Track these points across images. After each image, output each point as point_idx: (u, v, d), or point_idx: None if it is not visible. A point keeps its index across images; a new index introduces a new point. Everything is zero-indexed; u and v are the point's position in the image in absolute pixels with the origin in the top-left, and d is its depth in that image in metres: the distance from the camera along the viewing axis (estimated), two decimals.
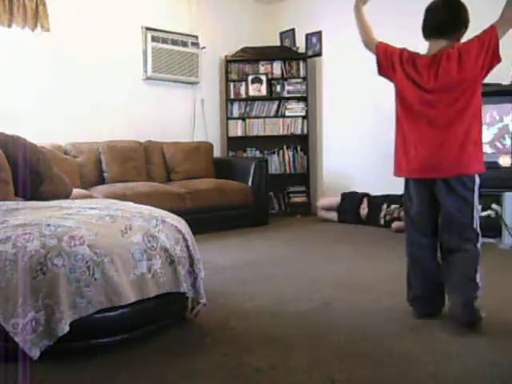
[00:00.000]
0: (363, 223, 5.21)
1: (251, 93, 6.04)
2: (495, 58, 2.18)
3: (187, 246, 2.32)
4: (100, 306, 1.94)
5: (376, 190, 5.42)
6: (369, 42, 2.46)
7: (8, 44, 4.56)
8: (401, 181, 2.47)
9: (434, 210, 2.35)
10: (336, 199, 5.53)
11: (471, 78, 2.20)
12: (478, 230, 2.30)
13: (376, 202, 5.20)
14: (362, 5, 2.50)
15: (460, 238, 2.29)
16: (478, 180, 2.28)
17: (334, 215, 5.50)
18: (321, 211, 5.66)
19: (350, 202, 5.38)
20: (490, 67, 2.20)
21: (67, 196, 3.22)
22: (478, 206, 2.29)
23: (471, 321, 2.19)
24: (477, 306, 2.20)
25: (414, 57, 2.32)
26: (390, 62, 2.36)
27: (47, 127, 4.66)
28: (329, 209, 5.57)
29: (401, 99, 2.35)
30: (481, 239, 2.31)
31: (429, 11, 2.34)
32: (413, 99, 2.30)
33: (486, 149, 4.14)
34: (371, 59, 2.50)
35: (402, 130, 2.36)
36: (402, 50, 2.36)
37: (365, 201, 5.29)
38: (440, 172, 2.26)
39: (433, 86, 2.24)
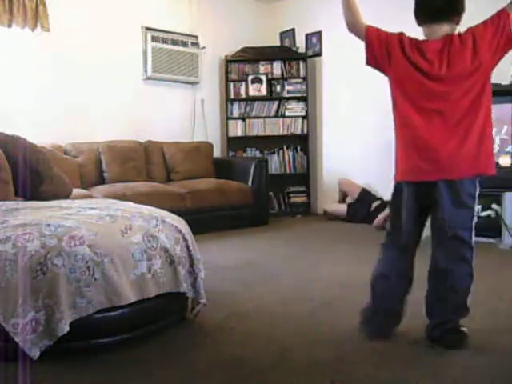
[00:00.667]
0: (371, 218, 5.21)
1: (251, 93, 6.04)
2: (509, 42, 1.98)
3: (187, 246, 2.32)
4: (100, 306, 1.94)
5: (376, 191, 5.43)
6: (355, 24, 2.12)
7: (8, 44, 4.56)
8: None
9: (423, 221, 2.13)
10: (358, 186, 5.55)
11: (486, 65, 1.98)
12: (473, 243, 2.07)
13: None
14: None
15: (456, 256, 2.05)
16: (479, 189, 2.06)
17: (343, 208, 5.50)
18: (331, 205, 5.68)
19: (366, 199, 5.39)
20: (504, 52, 2.00)
21: (67, 196, 3.22)
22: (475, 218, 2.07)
23: (458, 344, 2.03)
24: (462, 328, 2.07)
25: (417, 43, 2.05)
26: (385, 48, 2.06)
27: (47, 127, 4.66)
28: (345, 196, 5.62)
29: (403, 91, 2.06)
30: (475, 255, 2.08)
31: None
32: (419, 90, 2.02)
33: None
34: None
35: (407, 127, 2.07)
36: (400, 35, 2.07)
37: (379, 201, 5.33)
38: (454, 173, 1.98)
39: (445, 73, 1.98)
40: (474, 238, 2.08)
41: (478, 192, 2.06)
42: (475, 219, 2.07)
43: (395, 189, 2.16)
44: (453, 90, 1.99)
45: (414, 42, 2.05)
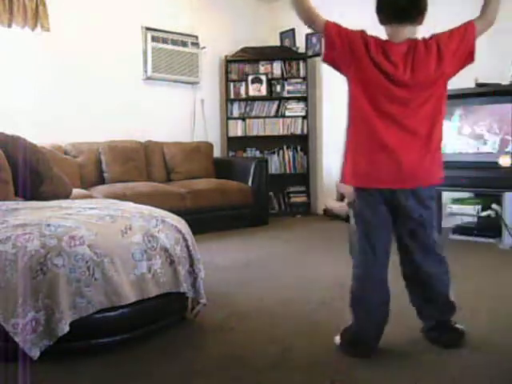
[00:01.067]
0: None
1: (251, 93, 6.04)
2: (470, 56, 1.95)
3: (187, 246, 2.32)
4: (100, 306, 1.95)
5: None
6: (310, 17, 1.96)
7: (8, 44, 4.56)
8: None
9: (390, 226, 2.02)
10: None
11: (447, 75, 1.93)
12: (437, 239, 2.06)
13: None
14: None
15: (431, 257, 2.03)
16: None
17: (344, 206, 5.52)
18: (331, 202, 5.69)
19: None
20: (463, 65, 1.96)
21: (67, 196, 3.22)
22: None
23: (456, 343, 2.05)
24: (458, 326, 2.10)
25: (382, 43, 1.93)
26: (347, 46, 1.92)
27: (47, 127, 4.66)
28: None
29: (364, 92, 1.95)
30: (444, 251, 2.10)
31: None
32: (381, 93, 1.92)
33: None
34: None
35: (366, 129, 1.96)
36: (363, 34, 1.94)
37: None
38: (416, 183, 1.94)
39: (409, 79, 1.89)
40: (437, 236, 2.07)
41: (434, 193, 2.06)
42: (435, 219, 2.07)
43: (360, 195, 2.01)
44: (414, 98, 1.91)
45: (379, 41, 1.93)
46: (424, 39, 1.94)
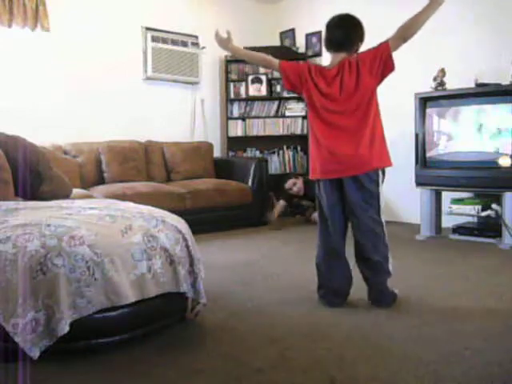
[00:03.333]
0: None
1: (251, 93, 6.04)
2: (387, 68, 2.43)
3: (187, 246, 2.32)
4: (100, 306, 1.94)
5: None
6: (269, 64, 2.68)
7: (8, 44, 4.57)
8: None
9: (342, 205, 2.57)
10: None
11: (367, 85, 2.43)
12: (381, 219, 2.54)
13: None
14: (230, 43, 2.63)
15: (365, 229, 2.52)
16: (381, 174, 2.54)
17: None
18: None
19: None
20: (383, 75, 2.46)
21: (67, 196, 3.22)
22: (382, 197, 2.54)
23: (390, 303, 2.54)
24: (390, 288, 2.58)
25: (321, 69, 2.54)
26: (298, 77, 2.55)
27: (47, 127, 4.66)
28: None
29: (313, 108, 2.53)
30: (386, 230, 2.56)
31: (328, 28, 2.55)
32: (323, 109, 2.49)
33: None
34: None
35: (315, 136, 2.54)
36: (308, 64, 2.61)
37: None
38: (354, 170, 2.45)
39: (339, 95, 2.46)
40: (382, 216, 2.55)
41: (380, 178, 2.53)
42: (382, 200, 2.53)
43: (316, 186, 2.64)
44: (346, 108, 2.46)
45: (318, 68, 2.55)
46: (349, 60, 2.47)
